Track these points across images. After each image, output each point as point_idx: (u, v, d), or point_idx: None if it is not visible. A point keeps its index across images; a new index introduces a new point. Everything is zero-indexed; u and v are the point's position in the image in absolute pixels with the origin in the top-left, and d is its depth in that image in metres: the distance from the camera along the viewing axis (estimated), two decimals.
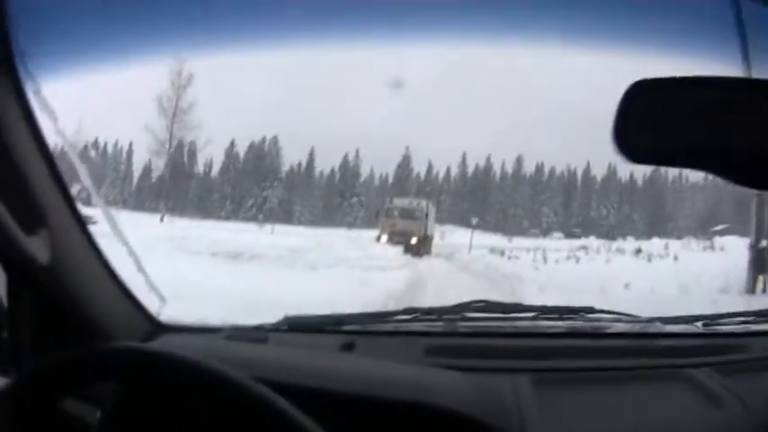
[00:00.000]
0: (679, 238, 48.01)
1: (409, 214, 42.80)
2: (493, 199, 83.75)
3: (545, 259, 35.13)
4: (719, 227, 47.89)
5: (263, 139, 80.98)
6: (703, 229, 51.80)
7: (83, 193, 2.49)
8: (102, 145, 72.80)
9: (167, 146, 52.39)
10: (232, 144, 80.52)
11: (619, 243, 47.41)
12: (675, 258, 31.39)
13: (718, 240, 38.92)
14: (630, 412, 2.31)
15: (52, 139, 2.00)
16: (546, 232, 77.63)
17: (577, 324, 3.07)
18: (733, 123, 1.25)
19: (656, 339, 2.94)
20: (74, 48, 2.35)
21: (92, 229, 2.23)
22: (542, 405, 2.21)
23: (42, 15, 2.04)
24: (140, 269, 2.67)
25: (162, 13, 2.33)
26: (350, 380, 2.16)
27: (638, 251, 37.64)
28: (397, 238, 39.64)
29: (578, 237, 64.35)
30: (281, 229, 53.29)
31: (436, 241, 48.78)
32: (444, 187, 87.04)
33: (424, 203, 45.37)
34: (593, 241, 50.84)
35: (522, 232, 74.39)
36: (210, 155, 78.81)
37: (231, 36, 2.51)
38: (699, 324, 3.07)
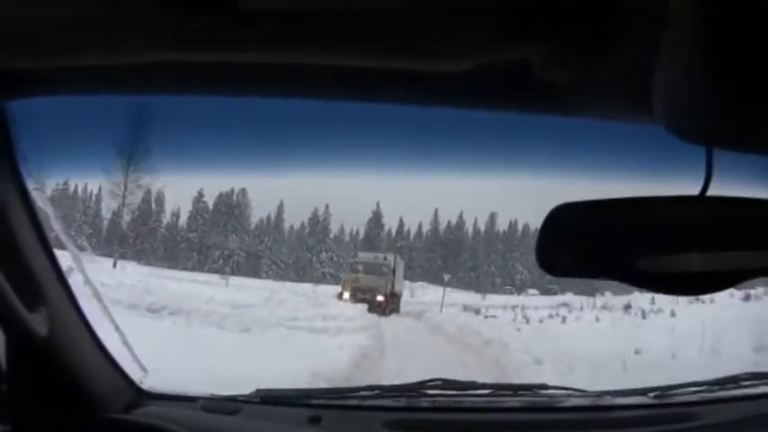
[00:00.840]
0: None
1: (374, 269, 39.46)
2: (465, 256, 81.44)
3: (526, 319, 32.01)
4: None
5: (232, 191, 77.77)
6: None
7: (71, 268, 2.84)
8: (71, 189, 66.38)
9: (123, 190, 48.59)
10: (200, 194, 77.52)
11: (600, 299, 43.30)
12: (673, 314, 28.59)
13: None
14: None
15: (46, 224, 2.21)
16: (520, 289, 74.26)
17: (531, 399, 3.23)
18: (644, 239, 1.38)
19: (606, 412, 3.10)
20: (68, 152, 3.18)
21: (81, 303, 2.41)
22: None
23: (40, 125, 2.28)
24: (125, 343, 3.17)
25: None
26: None
27: (628, 307, 35.01)
28: (361, 295, 36.51)
29: (555, 293, 61.11)
30: (241, 282, 49.68)
31: (406, 299, 44.72)
32: (416, 244, 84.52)
33: (390, 258, 41.87)
34: (572, 298, 47.26)
35: (495, 289, 72.02)
36: (178, 205, 77.36)
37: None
38: (650, 395, 3.18)
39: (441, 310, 38.48)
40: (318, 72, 1.76)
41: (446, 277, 48.25)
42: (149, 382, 2.96)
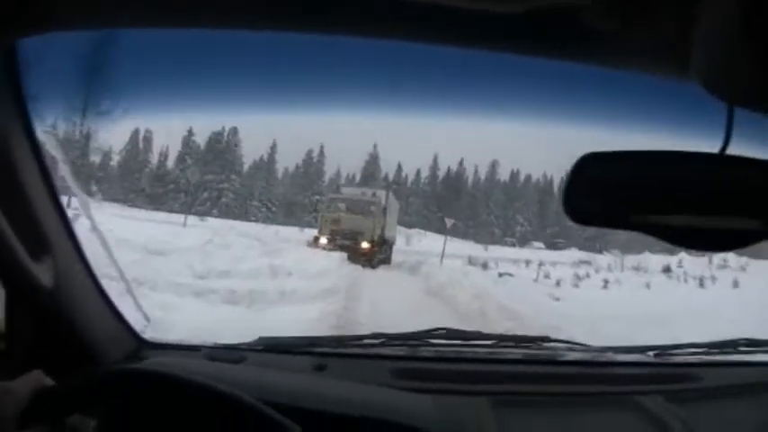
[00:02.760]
0: (672, 252, 38.53)
1: (360, 208, 30.04)
2: (464, 204, 75.75)
3: (557, 282, 24.02)
4: None
5: (222, 130, 72.95)
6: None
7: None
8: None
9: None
10: (190, 132, 72.25)
11: (614, 257, 38.42)
12: (736, 284, 24.00)
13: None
14: None
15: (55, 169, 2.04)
16: (522, 242, 69.11)
17: (533, 352, 3.04)
18: (666, 192, 1.32)
19: (607, 368, 2.91)
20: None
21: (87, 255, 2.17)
22: (500, 427, 2.20)
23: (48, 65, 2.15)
24: (129, 291, 2.90)
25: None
26: (323, 399, 2.11)
27: (667, 270, 30.65)
28: (341, 239, 27.57)
29: (560, 248, 58.95)
30: (214, 222, 42.90)
31: (400, 246, 36.09)
32: (413, 189, 79.64)
33: (381, 195, 32.56)
34: (590, 255, 42.66)
35: (496, 241, 65.68)
36: (166, 144, 73.55)
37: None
38: (651, 354, 3.02)
39: (441, 262, 29.11)
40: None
41: (448, 222, 38.63)
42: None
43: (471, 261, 31.67)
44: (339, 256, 23.20)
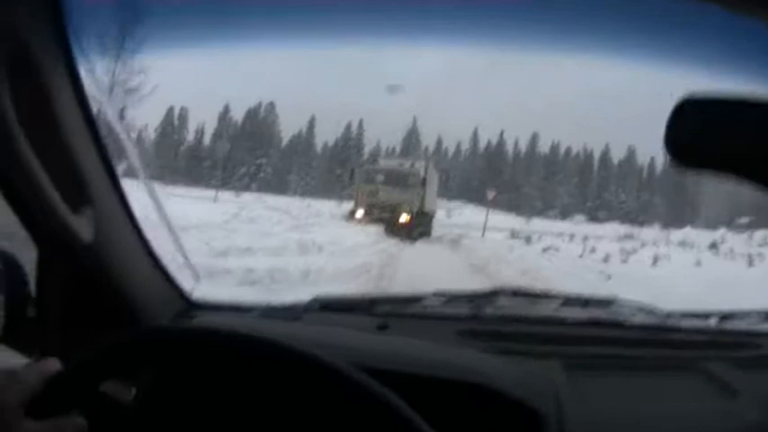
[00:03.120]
0: (713, 227, 40.13)
1: (399, 180, 28.51)
2: (505, 177, 74.53)
3: (605, 257, 22.26)
4: (743, 219, 44.15)
5: (259, 105, 73.40)
6: (724, 218, 47.94)
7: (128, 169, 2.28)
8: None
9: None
10: (226, 109, 73.09)
11: (669, 233, 36.67)
12: None
13: None
14: (650, 400, 2.09)
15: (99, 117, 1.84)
16: (564, 214, 67.88)
17: (600, 313, 2.75)
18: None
19: (672, 333, 2.59)
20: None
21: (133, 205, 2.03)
22: (573, 389, 2.01)
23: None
24: (179, 248, 2.49)
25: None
26: (390, 358, 1.91)
27: (713, 246, 29.43)
28: (379, 213, 26.35)
29: (602, 221, 57.61)
30: (247, 197, 42.30)
31: (440, 219, 34.76)
32: (453, 162, 77.94)
33: (420, 166, 30.73)
34: (639, 230, 39.98)
35: (536, 213, 64.44)
36: (203, 119, 73.74)
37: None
38: (713, 320, 2.72)
39: (483, 235, 28.80)
40: None
41: (489, 194, 36.89)
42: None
43: (514, 234, 30.23)
44: (375, 229, 22.15)
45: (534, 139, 79.74)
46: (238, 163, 69.05)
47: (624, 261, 21.90)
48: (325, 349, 1.60)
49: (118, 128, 2.20)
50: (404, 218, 25.77)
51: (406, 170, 29.31)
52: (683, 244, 30.43)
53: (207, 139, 73.02)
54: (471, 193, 65.12)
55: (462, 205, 53.43)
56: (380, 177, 28.52)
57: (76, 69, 1.66)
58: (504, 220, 38.68)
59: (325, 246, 15.89)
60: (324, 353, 1.43)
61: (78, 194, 1.72)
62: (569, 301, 2.84)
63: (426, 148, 73.35)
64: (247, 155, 69.62)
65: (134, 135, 55.25)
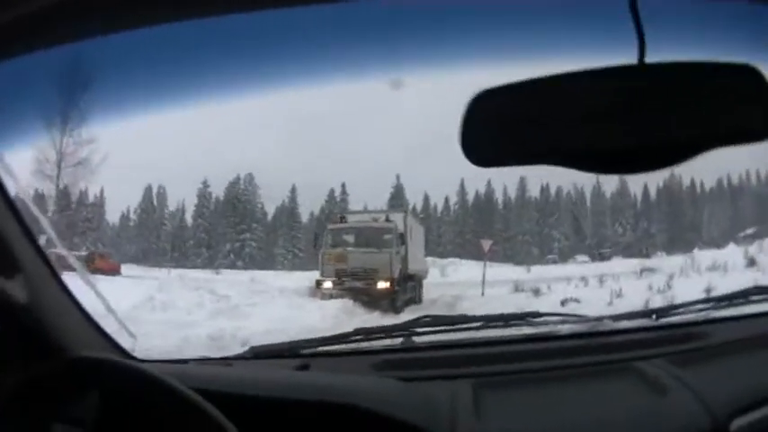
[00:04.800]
0: (718, 246, 36.35)
1: (372, 239, 23.06)
2: (498, 227, 71.92)
3: (645, 302, 16.93)
4: (748, 231, 41.82)
5: (237, 179, 70.62)
6: (728, 235, 45.30)
7: (49, 243, 2.55)
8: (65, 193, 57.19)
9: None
10: (205, 184, 70.16)
11: (686, 258, 30.30)
12: None
13: None
14: (573, 408, 2.17)
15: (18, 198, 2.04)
16: (565, 257, 63.67)
17: (524, 329, 2.92)
18: (579, 116, 1.25)
19: (604, 337, 2.80)
20: (38, 114, 2.46)
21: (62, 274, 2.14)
22: (479, 407, 2.10)
23: (5, 88, 2.09)
24: (109, 309, 2.97)
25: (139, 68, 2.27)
26: (297, 390, 2.14)
27: (752, 263, 24.77)
28: (351, 281, 21.31)
29: (607, 258, 54.15)
30: (224, 276, 38.76)
31: (434, 279, 29.71)
32: (444, 218, 75.96)
33: (397, 218, 24.82)
34: (659, 261, 36.36)
35: (535, 260, 60.55)
36: (182, 198, 71.57)
37: (210, 80, 2.43)
38: (654, 316, 2.90)
39: (482, 293, 24.10)
40: None
41: (485, 245, 30.67)
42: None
43: (518, 287, 25.18)
44: (343, 305, 17.76)
45: (522, 183, 76.08)
46: (222, 240, 66.37)
47: (669, 302, 16.55)
48: (243, 386, 2.06)
49: (30, 204, 2.48)
50: (382, 284, 20.67)
51: (380, 226, 23.77)
52: (713, 269, 25.57)
53: (188, 217, 70.85)
54: (466, 248, 61.23)
55: (457, 261, 48.66)
56: (349, 238, 23.41)
57: None
58: (502, 273, 33.35)
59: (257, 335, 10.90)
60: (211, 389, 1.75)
61: (8, 265, 1.77)
62: (491, 320, 2.88)
63: (414, 206, 67.97)
64: (230, 231, 66.68)
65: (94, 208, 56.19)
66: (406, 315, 17.68)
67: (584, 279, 26.97)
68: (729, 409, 1.98)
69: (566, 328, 2.87)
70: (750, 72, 1.21)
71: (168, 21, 1.61)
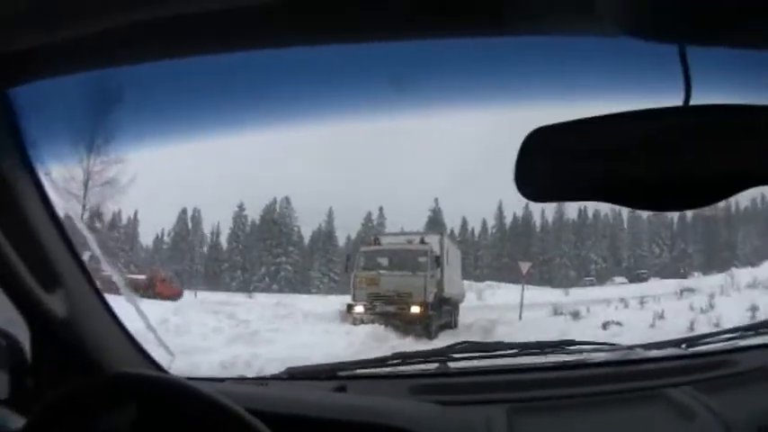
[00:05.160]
0: (753, 264, 36.17)
1: (406, 261, 21.88)
2: (536, 249, 70.89)
3: (690, 325, 16.90)
4: None
5: (274, 202, 70.63)
6: (762, 253, 45.78)
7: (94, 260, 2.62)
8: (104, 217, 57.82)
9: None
10: (240, 207, 70.59)
11: (725, 277, 30.33)
12: None
13: None
14: None
15: (64, 214, 2.10)
16: (602, 279, 62.96)
17: (559, 357, 2.91)
18: (626, 155, 1.28)
19: (636, 365, 2.76)
20: (74, 133, 2.51)
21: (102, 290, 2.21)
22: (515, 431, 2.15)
23: (45, 111, 2.12)
24: (149, 327, 2.80)
25: (169, 98, 2.26)
26: (335, 410, 2.15)
27: None
28: (383, 305, 20.20)
29: (645, 279, 52.68)
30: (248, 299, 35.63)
31: (471, 302, 28.49)
32: (481, 242, 75.35)
33: (433, 241, 23.61)
34: (697, 282, 34.92)
35: (573, 283, 59.46)
36: (217, 221, 71.20)
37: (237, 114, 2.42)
38: (683, 346, 2.88)
39: (520, 317, 23.24)
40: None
41: (524, 267, 29.88)
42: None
43: (557, 310, 24.35)
44: (374, 330, 16.97)
45: (560, 206, 74.31)
46: (257, 263, 65.82)
47: (714, 323, 16.21)
48: (278, 405, 2.08)
49: (77, 221, 2.56)
50: (415, 309, 19.63)
51: (414, 248, 22.49)
52: (753, 286, 25.24)
53: (223, 240, 70.72)
54: (502, 271, 60.48)
55: (494, 285, 47.32)
56: (383, 261, 22.39)
57: (34, 170, 1.88)
58: (540, 296, 32.54)
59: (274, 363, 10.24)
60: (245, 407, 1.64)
61: (50, 279, 1.88)
62: (527, 347, 2.88)
63: (452, 230, 67.20)
64: (266, 254, 66.21)
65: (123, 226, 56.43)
66: (440, 341, 17.16)
67: (623, 301, 26.07)
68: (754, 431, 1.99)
69: (599, 356, 2.86)
70: None
71: (203, 53, 1.67)
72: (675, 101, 1.25)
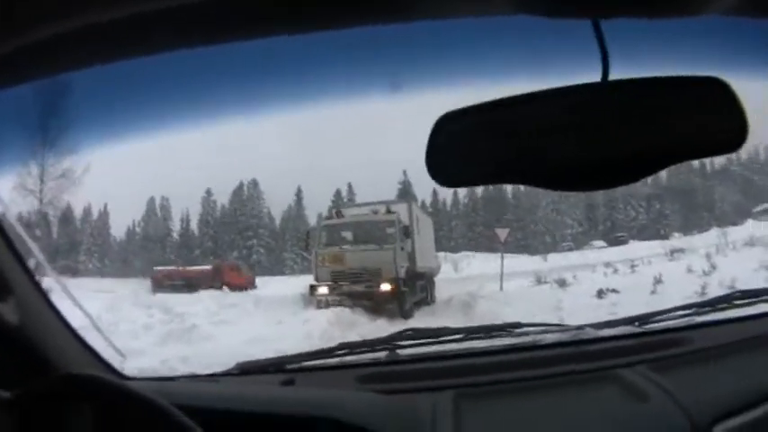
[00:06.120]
0: (734, 223, 37.68)
1: (372, 234, 19.47)
2: (510, 217, 69.01)
3: (702, 290, 14.51)
4: (765, 205, 42.97)
5: (241, 185, 70.09)
6: (741, 212, 47.56)
7: (39, 266, 2.70)
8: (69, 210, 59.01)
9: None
10: (208, 193, 70.00)
11: (720, 235, 28.88)
12: None
13: None
14: (554, 417, 2.11)
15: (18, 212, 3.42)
16: (579, 244, 62.71)
17: (506, 340, 2.88)
18: (543, 135, 1.26)
19: (587, 345, 2.68)
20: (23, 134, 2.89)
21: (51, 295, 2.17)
22: (462, 418, 2.06)
23: None
24: (97, 328, 2.91)
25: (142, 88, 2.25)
26: (283, 404, 2.12)
27: None
28: (350, 285, 17.98)
29: (625, 242, 54.09)
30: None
31: (447, 275, 26.85)
32: (453, 212, 75.03)
33: (401, 210, 21.06)
34: (689, 240, 34.55)
35: (549, 249, 59.01)
36: (186, 208, 70.80)
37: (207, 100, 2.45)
38: (636, 324, 2.86)
39: (501, 288, 21.47)
40: None
41: (501, 234, 26.92)
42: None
43: (540, 279, 22.80)
44: (344, 313, 14.88)
45: None
46: (228, 248, 64.70)
47: (728, 285, 13.44)
48: (228, 401, 2.06)
49: (19, 228, 2.49)
50: (385, 286, 17.39)
51: (381, 219, 20.30)
52: (751, 244, 24.12)
53: (194, 227, 70.23)
54: (477, 241, 60.69)
55: (471, 254, 46.24)
56: (347, 235, 20.13)
57: None
58: (518, 264, 31.06)
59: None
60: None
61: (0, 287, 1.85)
62: (472, 331, 2.87)
63: (423, 202, 65.82)
64: (237, 237, 65.63)
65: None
66: (417, 321, 15.62)
67: (610, 266, 24.91)
68: (710, 414, 1.93)
69: (548, 338, 2.80)
70: (716, 84, 1.23)
71: (170, 49, 1.57)
72: (594, 77, 1.20)
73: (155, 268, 34.76)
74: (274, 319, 14.85)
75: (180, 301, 17.94)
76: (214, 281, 26.78)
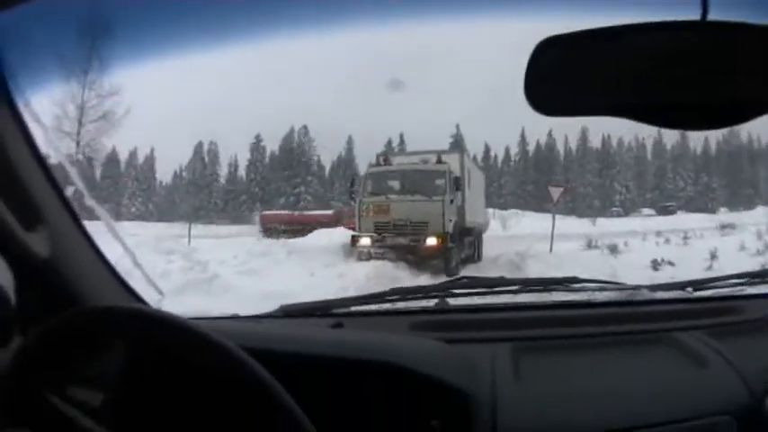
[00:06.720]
0: None
1: (420, 185, 17.84)
2: (559, 178, 68.19)
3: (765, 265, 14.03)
4: None
5: (292, 131, 69.59)
6: None
7: (81, 197, 2.37)
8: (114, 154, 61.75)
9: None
10: (257, 138, 69.62)
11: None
12: None
13: None
14: (609, 375, 2.08)
15: (46, 147, 1.96)
16: (628, 210, 62.66)
17: (562, 295, 2.81)
18: (639, 68, 1.23)
19: (642, 306, 2.64)
20: (58, 65, 2.31)
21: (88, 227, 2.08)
22: (519, 370, 2.04)
23: (25, 38, 1.94)
24: (137, 264, 2.63)
25: (162, 16, 2.08)
26: (332, 347, 2.04)
27: None
28: (394, 237, 16.80)
29: (673, 212, 52.87)
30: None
31: (495, 232, 25.85)
32: (504, 169, 74.28)
33: (452, 160, 19.24)
34: (738, 216, 34.36)
35: (597, 213, 57.57)
36: (235, 153, 70.08)
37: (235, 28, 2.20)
38: (690, 289, 2.75)
39: (551, 250, 20.31)
40: None
41: (555, 193, 24.82)
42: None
43: (590, 244, 22.07)
44: (386, 267, 14.22)
45: (584, 133, 74.60)
46: (275, 194, 64.16)
47: None
48: (276, 341, 1.95)
49: (62, 157, 2.24)
50: (431, 241, 16.25)
51: (431, 168, 18.50)
52: None
53: (242, 172, 69.76)
54: (526, 199, 60.73)
55: (519, 213, 45.10)
56: (394, 184, 18.58)
57: (16, 108, 1.74)
58: (567, 226, 30.14)
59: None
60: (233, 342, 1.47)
61: (31, 216, 1.76)
62: (529, 283, 2.80)
63: (474, 156, 64.90)
64: (285, 184, 65.13)
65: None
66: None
67: (661, 235, 24.50)
68: (765, 384, 1.89)
69: (603, 296, 2.74)
70: None
71: None
72: (692, 16, 1.16)
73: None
74: (307, 271, 14.04)
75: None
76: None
